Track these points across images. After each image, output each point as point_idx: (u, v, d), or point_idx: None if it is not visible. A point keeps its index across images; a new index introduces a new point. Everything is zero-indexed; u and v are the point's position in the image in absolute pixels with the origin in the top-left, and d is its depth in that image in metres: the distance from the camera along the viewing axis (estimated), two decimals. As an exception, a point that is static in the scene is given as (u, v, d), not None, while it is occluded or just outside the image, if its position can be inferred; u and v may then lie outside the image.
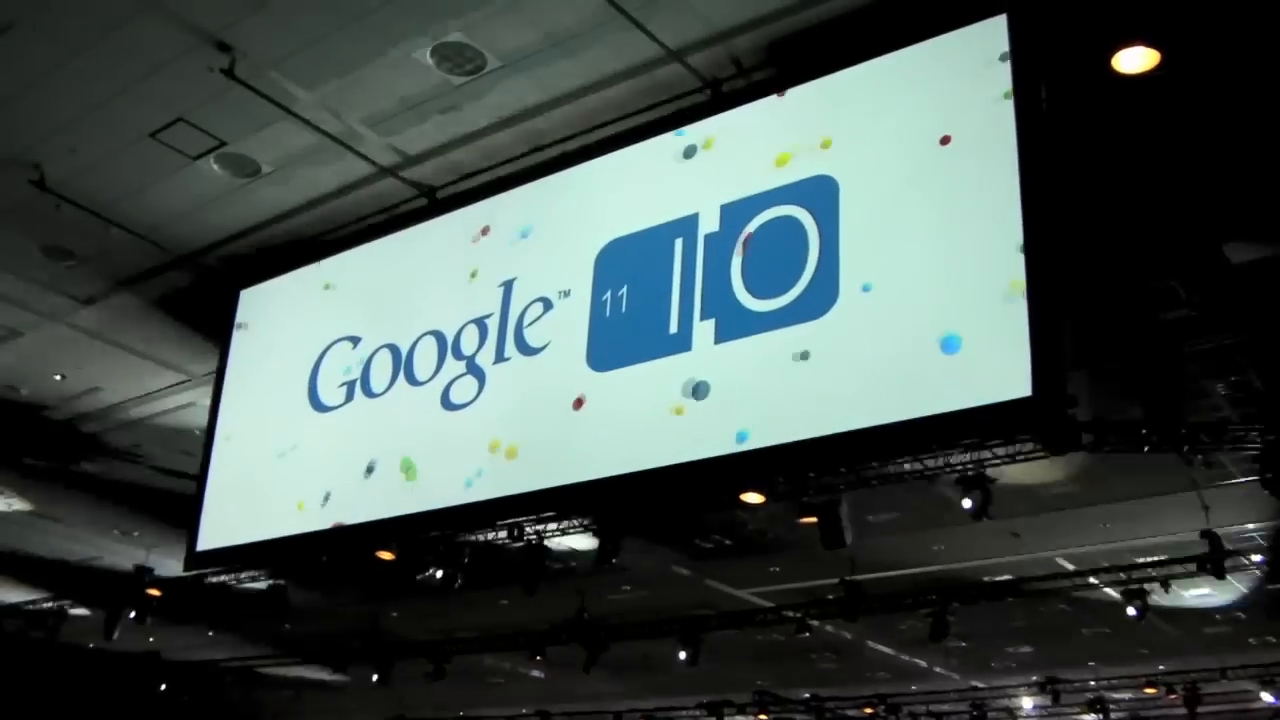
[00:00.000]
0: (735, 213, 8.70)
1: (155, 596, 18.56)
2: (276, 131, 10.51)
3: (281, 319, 11.79)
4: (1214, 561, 11.49)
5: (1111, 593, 12.28)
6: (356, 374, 10.84)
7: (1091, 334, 10.26)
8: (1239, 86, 8.47)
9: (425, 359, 10.33)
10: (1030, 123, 7.55)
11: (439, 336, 10.30)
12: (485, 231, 10.37)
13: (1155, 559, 11.80)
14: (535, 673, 17.56)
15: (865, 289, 7.85)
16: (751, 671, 17.58)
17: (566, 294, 9.53)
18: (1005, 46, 7.75)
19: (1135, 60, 8.27)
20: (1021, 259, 7.26)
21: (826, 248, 8.09)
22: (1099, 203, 9.17)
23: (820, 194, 8.28)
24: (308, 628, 14.20)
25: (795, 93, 8.78)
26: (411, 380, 10.38)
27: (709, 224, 8.81)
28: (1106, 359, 10.65)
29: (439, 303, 10.41)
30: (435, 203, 10.92)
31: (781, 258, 8.29)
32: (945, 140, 7.86)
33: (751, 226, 8.56)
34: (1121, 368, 10.72)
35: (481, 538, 10.60)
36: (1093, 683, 16.77)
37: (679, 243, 8.92)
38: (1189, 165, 9.09)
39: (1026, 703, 17.94)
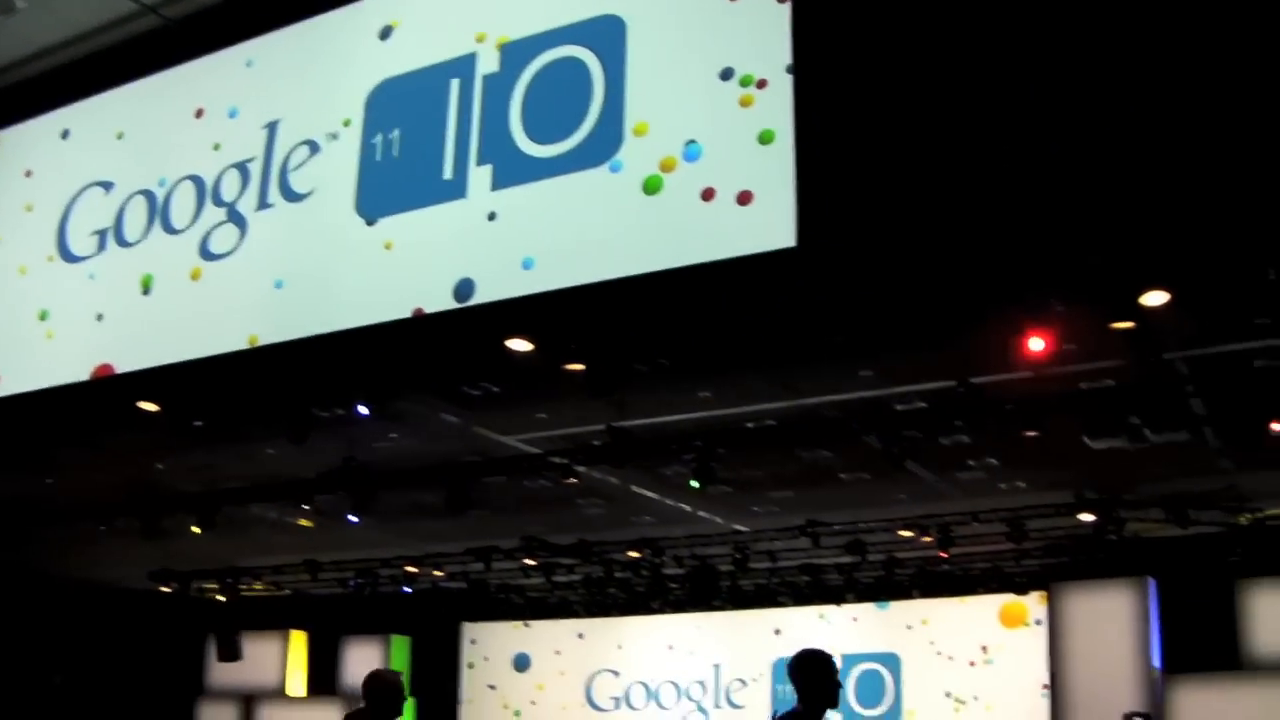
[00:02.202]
0: (515, 53, 8.47)
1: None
2: (31, -36, 10.06)
3: (35, 161, 11.25)
4: (971, 410, 11.92)
5: (872, 440, 12.62)
6: (109, 222, 10.44)
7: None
8: None
9: (182, 206, 9.98)
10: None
11: (197, 182, 9.93)
12: (249, 71, 10.03)
13: (916, 406, 12.15)
14: (303, 522, 17.46)
15: (644, 136, 7.79)
16: (519, 517, 17.70)
17: (335, 137, 9.27)
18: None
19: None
20: (791, 104, 7.30)
21: (611, 91, 7.95)
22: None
23: (606, 34, 8.10)
24: (70, 480, 13.89)
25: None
26: (168, 228, 10.03)
27: (487, 64, 8.58)
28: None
29: (197, 146, 10.02)
30: (197, 41, 10.47)
31: (564, 101, 8.12)
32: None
33: (532, 68, 8.38)
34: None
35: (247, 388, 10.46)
36: (852, 526, 17.30)
37: (455, 84, 8.69)
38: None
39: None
